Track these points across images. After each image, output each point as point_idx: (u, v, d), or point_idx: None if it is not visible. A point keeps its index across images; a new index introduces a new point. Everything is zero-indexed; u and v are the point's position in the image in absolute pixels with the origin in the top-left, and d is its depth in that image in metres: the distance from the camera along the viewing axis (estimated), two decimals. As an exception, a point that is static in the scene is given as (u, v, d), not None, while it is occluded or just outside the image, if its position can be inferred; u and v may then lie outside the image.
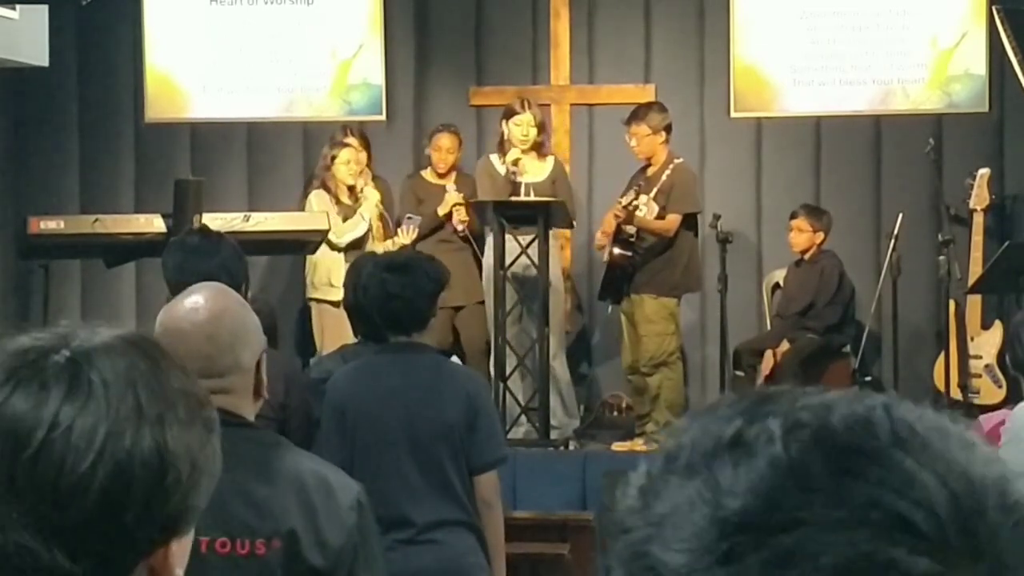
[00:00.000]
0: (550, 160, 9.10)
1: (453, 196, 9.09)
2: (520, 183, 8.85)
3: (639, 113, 8.96)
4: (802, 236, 9.13)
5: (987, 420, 4.90)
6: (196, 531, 2.99)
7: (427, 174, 9.33)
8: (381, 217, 9.18)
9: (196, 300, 3.08)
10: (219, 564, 2.92)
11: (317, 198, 8.98)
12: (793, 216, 9.17)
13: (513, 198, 8.79)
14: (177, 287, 4.77)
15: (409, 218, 9.13)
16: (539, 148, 8.99)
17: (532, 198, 8.78)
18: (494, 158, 9.03)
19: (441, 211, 9.08)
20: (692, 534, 0.82)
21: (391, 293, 4.71)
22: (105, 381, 1.48)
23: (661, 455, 0.87)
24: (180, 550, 1.53)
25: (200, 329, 3.02)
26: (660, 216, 8.85)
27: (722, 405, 0.88)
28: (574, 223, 9.17)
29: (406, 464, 4.59)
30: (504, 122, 8.96)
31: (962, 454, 0.84)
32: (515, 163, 8.84)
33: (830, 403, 0.86)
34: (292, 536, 2.93)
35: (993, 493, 0.82)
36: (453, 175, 9.28)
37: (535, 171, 8.97)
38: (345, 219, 8.94)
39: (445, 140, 9.24)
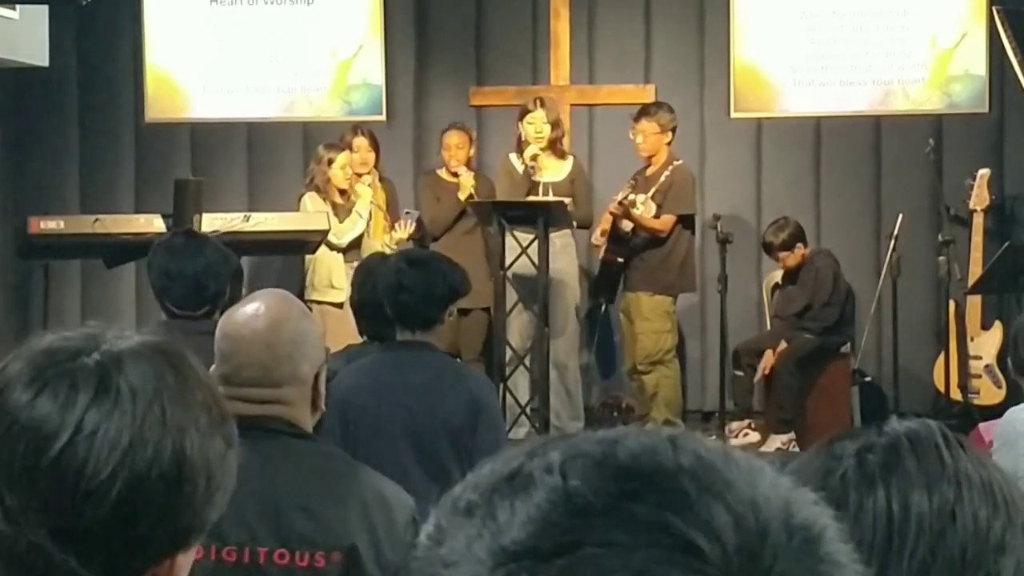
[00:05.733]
0: (570, 160, 9.13)
1: (468, 179, 9.11)
2: (539, 182, 8.89)
3: (650, 111, 8.99)
4: (793, 258, 9.10)
5: (987, 429, 4.86)
6: (256, 542, 3.00)
7: (442, 173, 9.34)
8: (386, 216, 9.19)
9: (257, 307, 3.03)
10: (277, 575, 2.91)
11: (311, 200, 8.97)
12: (784, 248, 9.07)
13: (531, 197, 8.82)
14: (161, 289, 4.77)
15: (407, 213, 9.14)
16: (555, 146, 9.01)
17: (539, 198, 8.80)
18: (512, 157, 9.06)
19: (462, 195, 9.09)
20: (470, 569, 0.80)
21: (403, 285, 4.70)
22: (132, 388, 1.48)
23: (448, 500, 0.86)
24: (185, 562, 1.53)
25: (259, 337, 2.98)
26: (657, 215, 8.88)
27: (515, 447, 0.87)
28: (588, 224, 9.18)
29: (408, 463, 4.56)
30: (519, 122, 9.01)
31: (747, 478, 0.82)
32: (533, 159, 8.86)
33: (616, 436, 0.84)
34: (353, 551, 2.90)
35: (777, 515, 0.81)
36: (469, 172, 9.25)
37: (553, 170, 9.00)
38: (341, 219, 8.93)
39: (453, 137, 9.27)
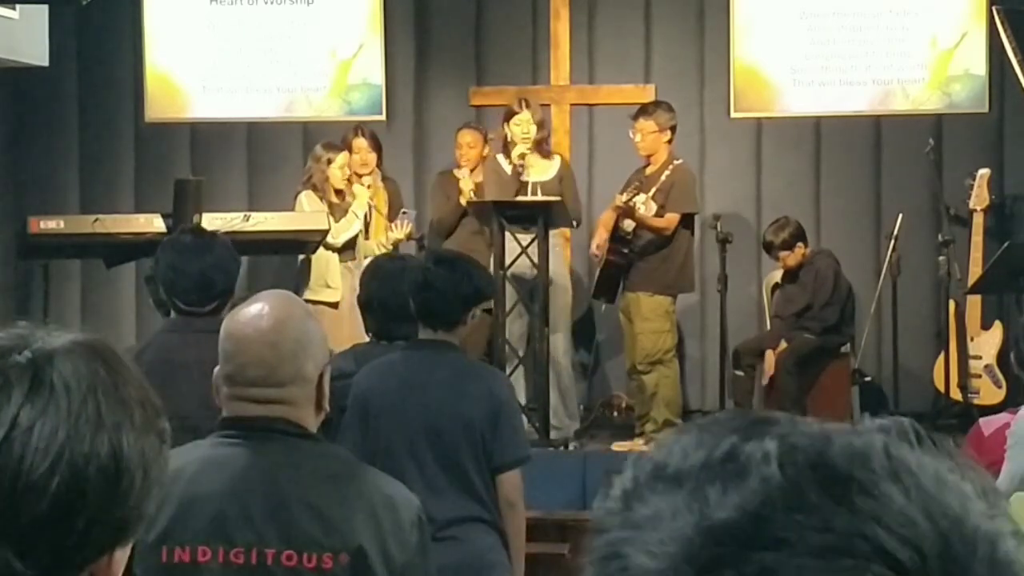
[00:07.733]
0: (556, 159, 9.14)
1: (467, 182, 9.13)
2: (527, 182, 8.89)
3: (648, 109, 9.00)
4: (793, 257, 9.09)
5: (987, 424, 4.87)
6: (263, 543, 3.00)
7: (457, 172, 9.36)
8: (387, 217, 9.17)
9: (261, 307, 3.05)
10: None
11: (308, 199, 8.96)
12: (785, 247, 9.06)
13: (520, 197, 8.81)
14: (169, 284, 4.78)
15: (404, 213, 9.14)
16: (541, 146, 9.01)
17: (534, 198, 8.80)
18: (500, 158, 9.06)
19: (463, 199, 9.10)
20: (672, 539, 0.81)
21: (428, 282, 4.75)
22: (67, 384, 1.48)
23: (650, 461, 0.87)
24: (122, 557, 1.53)
25: (263, 336, 2.99)
26: (658, 215, 8.88)
27: (719, 418, 0.88)
28: (576, 223, 9.17)
29: (427, 461, 4.59)
30: (505, 124, 9.01)
31: (957, 502, 0.83)
32: (521, 158, 8.87)
33: (829, 433, 0.85)
34: (360, 552, 2.91)
35: (984, 545, 0.81)
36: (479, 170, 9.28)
37: (541, 170, 9.00)
38: (336, 219, 8.92)
39: (466, 136, 9.30)
